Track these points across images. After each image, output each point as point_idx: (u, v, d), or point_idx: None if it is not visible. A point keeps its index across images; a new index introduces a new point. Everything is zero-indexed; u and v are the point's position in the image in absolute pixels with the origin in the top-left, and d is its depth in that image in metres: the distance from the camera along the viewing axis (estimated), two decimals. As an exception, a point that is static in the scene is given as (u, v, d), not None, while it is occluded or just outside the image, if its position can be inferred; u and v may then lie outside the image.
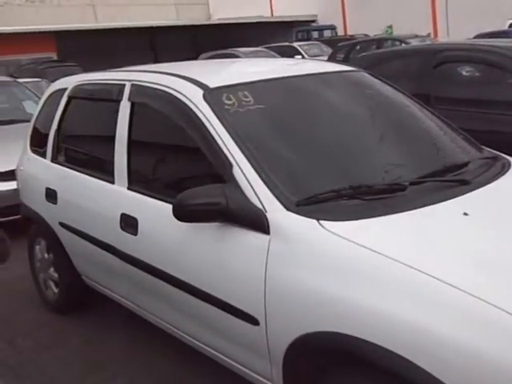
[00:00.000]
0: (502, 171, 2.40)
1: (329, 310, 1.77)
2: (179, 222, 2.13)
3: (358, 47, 12.74)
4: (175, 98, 2.45)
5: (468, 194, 2.12)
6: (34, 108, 3.77)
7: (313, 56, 15.98)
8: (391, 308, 1.64)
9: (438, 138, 2.66)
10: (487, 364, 1.47)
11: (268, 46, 18.35)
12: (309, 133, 2.37)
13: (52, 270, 3.47)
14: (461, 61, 4.88)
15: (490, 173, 2.37)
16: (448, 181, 2.23)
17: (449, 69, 4.88)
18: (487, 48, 4.66)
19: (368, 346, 1.66)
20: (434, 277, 1.63)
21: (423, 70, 4.80)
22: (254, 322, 2.01)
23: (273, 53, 15.90)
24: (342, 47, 13.09)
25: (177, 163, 2.58)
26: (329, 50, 15.91)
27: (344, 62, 9.70)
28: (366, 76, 2.94)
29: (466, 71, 5.07)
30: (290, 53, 16.27)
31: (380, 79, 2.94)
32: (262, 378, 2.15)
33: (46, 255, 3.50)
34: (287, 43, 19.32)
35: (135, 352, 3.00)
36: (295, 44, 18.94)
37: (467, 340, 1.50)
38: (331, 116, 2.52)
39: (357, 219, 1.93)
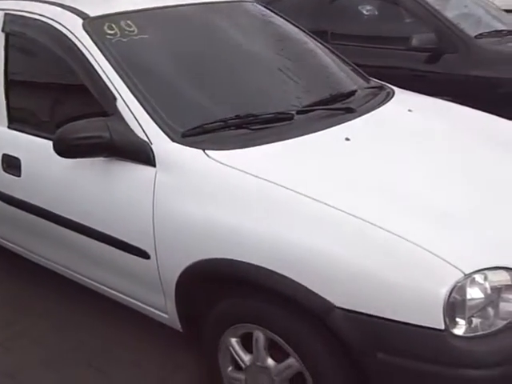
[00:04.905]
0: (386, 99, 2.49)
1: (215, 237, 1.79)
2: (63, 159, 2.05)
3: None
4: (53, 27, 2.30)
5: (352, 121, 2.19)
6: None
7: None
8: (276, 231, 1.68)
9: (326, 69, 2.70)
10: (370, 279, 1.54)
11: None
12: (195, 63, 2.32)
13: None
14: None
15: (374, 101, 2.45)
16: (333, 109, 2.28)
17: (345, 4, 4.92)
18: None
19: (254, 270, 1.69)
20: (313, 198, 1.69)
21: (320, 5, 4.80)
22: (144, 255, 2.00)
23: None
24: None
25: (59, 98, 2.45)
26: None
27: None
28: (256, 6, 2.89)
29: (366, 10, 5.14)
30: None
31: (270, 9, 2.90)
32: (157, 311, 2.16)
33: None
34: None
35: (30, 297, 2.92)
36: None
37: (349, 257, 1.57)
38: (219, 46, 2.47)
39: (242, 148, 1.93)
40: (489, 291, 1.53)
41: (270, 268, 1.66)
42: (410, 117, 2.38)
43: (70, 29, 2.24)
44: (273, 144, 1.96)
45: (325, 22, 4.68)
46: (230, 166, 1.85)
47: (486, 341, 1.51)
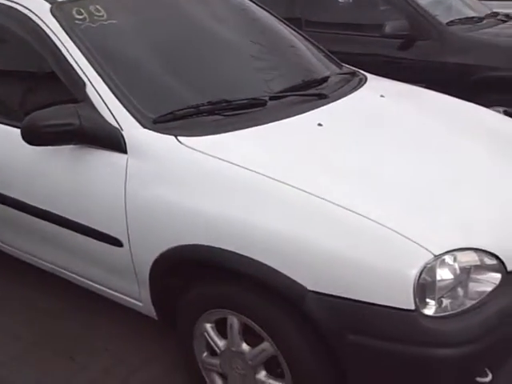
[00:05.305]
0: (359, 85, 2.50)
1: (188, 223, 1.78)
2: (32, 147, 2.01)
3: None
4: (19, 12, 2.24)
5: (324, 107, 2.19)
6: None
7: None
8: (250, 217, 1.67)
9: (299, 55, 2.70)
10: (342, 262, 1.55)
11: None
12: (166, 48, 2.29)
13: None
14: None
15: (347, 87, 2.46)
16: (306, 95, 2.28)
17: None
18: None
19: (229, 256, 1.69)
20: (286, 183, 1.69)
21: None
22: (117, 243, 1.99)
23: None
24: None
25: (27, 85, 2.40)
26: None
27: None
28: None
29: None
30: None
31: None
32: (131, 300, 2.15)
33: None
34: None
35: (10, 288, 2.87)
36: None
37: (322, 241, 1.57)
38: (191, 31, 2.44)
39: (214, 134, 1.93)
40: (458, 272, 1.55)
41: (244, 254, 1.66)
42: (382, 102, 2.40)
43: (38, 14, 2.19)
44: (245, 130, 1.96)
45: (299, 9, 4.68)
46: (202, 152, 1.84)
47: (456, 320, 1.54)
